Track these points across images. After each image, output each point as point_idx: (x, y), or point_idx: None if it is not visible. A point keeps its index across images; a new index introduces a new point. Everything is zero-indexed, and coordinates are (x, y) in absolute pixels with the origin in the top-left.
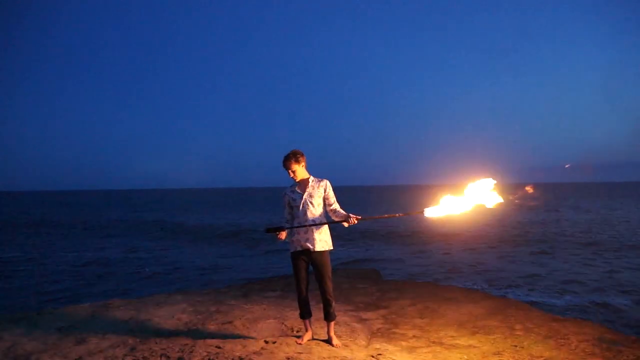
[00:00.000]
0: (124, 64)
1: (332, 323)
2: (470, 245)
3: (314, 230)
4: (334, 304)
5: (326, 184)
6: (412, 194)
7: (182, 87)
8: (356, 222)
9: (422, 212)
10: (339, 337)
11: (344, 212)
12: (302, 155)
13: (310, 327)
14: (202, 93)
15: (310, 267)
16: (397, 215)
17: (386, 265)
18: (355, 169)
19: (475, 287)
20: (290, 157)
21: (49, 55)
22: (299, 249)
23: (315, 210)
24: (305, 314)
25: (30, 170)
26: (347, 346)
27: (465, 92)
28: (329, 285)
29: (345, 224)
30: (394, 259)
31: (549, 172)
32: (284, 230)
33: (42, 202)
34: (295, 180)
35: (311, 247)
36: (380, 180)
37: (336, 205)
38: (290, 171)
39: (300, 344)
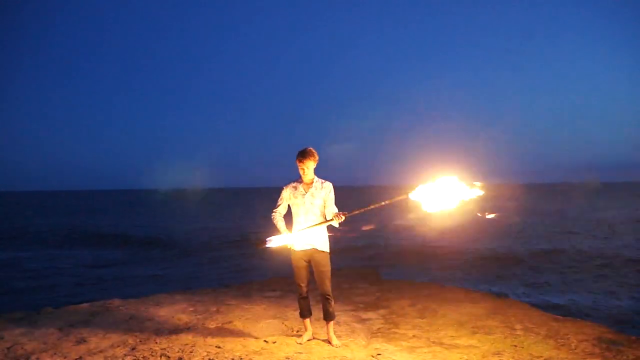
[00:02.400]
0: (122, 63)
1: (332, 323)
2: (469, 246)
3: (317, 230)
4: (333, 303)
5: (329, 186)
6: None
7: (179, 86)
8: (344, 218)
9: (406, 196)
10: (338, 337)
11: (333, 212)
12: (317, 155)
13: (310, 326)
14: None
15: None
16: (382, 203)
17: (385, 266)
18: (346, 168)
19: (475, 287)
20: (310, 154)
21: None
22: (300, 248)
23: (316, 211)
24: (306, 314)
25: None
26: (347, 346)
27: (466, 90)
28: (329, 285)
29: (335, 224)
30: (393, 259)
31: (552, 173)
32: (270, 241)
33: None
34: (302, 176)
35: (314, 247)
36: (369, 180)
37: (333, 208)
38: (304, 167)
39: (300, 343)
